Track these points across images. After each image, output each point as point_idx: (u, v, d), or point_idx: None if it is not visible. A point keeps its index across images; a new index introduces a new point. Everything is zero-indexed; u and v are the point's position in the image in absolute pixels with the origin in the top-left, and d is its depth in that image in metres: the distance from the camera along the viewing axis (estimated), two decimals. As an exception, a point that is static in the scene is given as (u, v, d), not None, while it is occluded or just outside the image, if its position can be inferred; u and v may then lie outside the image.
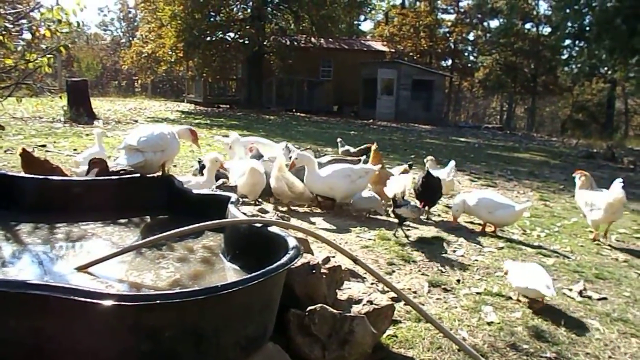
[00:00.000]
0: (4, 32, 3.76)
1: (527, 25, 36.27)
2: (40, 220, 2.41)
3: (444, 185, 4.88)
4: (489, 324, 2.72)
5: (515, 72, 35.70)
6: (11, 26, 4.14)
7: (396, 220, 4.23)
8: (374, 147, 5.59)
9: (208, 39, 22.90)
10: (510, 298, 3.08)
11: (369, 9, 34.04)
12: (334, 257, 2.93)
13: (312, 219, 4.44)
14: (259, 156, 5.21)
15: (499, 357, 2.41)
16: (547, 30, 34.13)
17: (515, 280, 2.98)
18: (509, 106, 40.29)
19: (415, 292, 3.08)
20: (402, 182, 4.22)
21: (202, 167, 5.36)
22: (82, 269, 1.94)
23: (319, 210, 4.80)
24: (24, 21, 4.91)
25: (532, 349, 2.49)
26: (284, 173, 4.51)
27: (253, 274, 1.56)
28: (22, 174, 3.00)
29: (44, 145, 7.58)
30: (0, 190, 2.56)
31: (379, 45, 31.23)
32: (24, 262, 2.04)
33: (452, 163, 5.56)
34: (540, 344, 2.55)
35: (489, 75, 37.03)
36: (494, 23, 38.78)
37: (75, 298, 1.36)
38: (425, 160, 5.82)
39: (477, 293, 3.12)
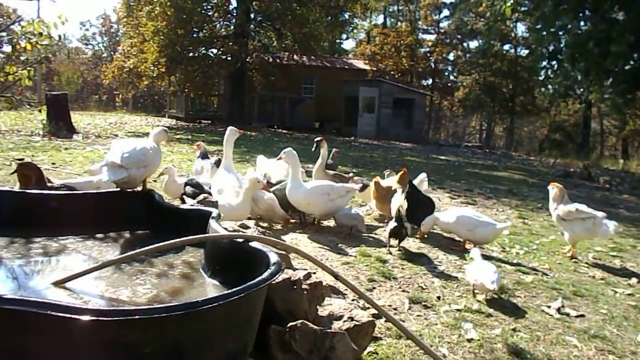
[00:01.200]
0: (-17, 44, 3.72)
1: (506, 47, 37.16)
2: (17, 234, 2.37)
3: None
4: (469, 340, 2.73)
5: (494, 92, 36.44)
6: (-9, 38, 4.10)
7: (386, 238, 4.31)
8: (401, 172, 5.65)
9: (191, 54, 22.91)
10: (490, 315, 3.11)
11: (351, 27, 34.49)
12: (315, 273, 2.93)
13: (294, 235, 4.43)
14: (204, 154, 5.54)
15: (478, 373, 2.42)
16: (525, 52, 34.99)
17: (469, 275, 3.41)
18: (488, 125, 41.02)
19: (395, 309, 3.08)
20: (395, 203, 4.33)
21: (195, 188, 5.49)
22: (59, 283, 1.90)
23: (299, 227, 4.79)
24: (4, 34, 4.86)
25: (511, 366, 2.51)
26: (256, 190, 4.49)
27: (233, 290, 1.55)
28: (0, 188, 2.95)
29: (21, 159, 7.45)
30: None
31: (360, 64, 31.61)
32: (0, 277, 2.00)
33: (423, 175, 5.64)
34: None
35: (468, 94, 37.73)
36: (474, 44, 39.70)
37: (53, 313, 1.34)
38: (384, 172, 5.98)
39: (457, 310, 3.14)
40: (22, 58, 4.62)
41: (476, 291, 3.41)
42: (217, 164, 5.59)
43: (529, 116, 38.47)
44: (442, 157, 16.13)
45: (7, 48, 4.98)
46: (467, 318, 3.02)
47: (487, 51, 35.22)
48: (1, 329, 1.39)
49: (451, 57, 40.87)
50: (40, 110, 5.97)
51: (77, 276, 1.93)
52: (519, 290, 3.61)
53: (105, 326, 1.38)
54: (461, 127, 45.59)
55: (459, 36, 39.57)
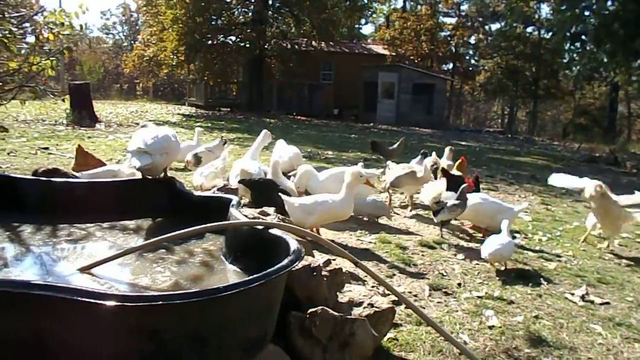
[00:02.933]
0: (8, 36, 3.77)
1: (529, 29, 36.28)
2: (43, 222, 2.42)
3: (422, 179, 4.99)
4: (490, 327, 2.72)
5: (517, 76, 35.68)
6: (15, 29, 4.15)
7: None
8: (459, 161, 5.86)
9: (209, 42, 22.96)
10: (512, 302, 3.08)
11: (370, 12, 34.12)
12: (334, 260, 2.94)
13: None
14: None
15: (500, 360, 2.41)
16: (548, 34, 34.12)
17: (482, 249, 3.61)
18: (510, 110, 40.30)
19: (415, 296, 3.08)
20: (437, 187, 4.30)
21: (197, 158, 5.65)
22: (84, 270, 1.94)
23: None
24: (27, 25, 4.93)
25: (533, 354, 2.49)
26: (278, 175, 4.52)
27: (253, 276, 1.56)
28: (25, 176, 3.01)
29: (46, 148, 7.60)
30: (3, 192, 2.57)
31: (379, 49, 31.27)
32: (27, 263, 2.04)
33: (432, 156, 5.65)
34: (542, 348, 2.55)
35: (490, 78, 37.04)
36: (495, 26, 38.85)
37: (78, 298, 1.37)
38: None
39: (479, 297, 3.12)
40: (45, 48, 4.67)
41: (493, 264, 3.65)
42: (224, 143, 6.21)
43: (553, 100, 37.60)
44: (463, 143, 15.94)
45: (31, 39, 5.04)
46: (488, 305, 3.00)
47: (509, 34, 34.46)
48: (30, 313, 1.42)
49: (472, 40, 40.09)
50: (63, 100, 6.07)
51: (102, 262, 1.97)
52: (541, 277, 3.57)
53: (129, 311, 1.41)
54: (482, 112, 44.89)
55: (480, 19, 38.77)
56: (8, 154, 6.74)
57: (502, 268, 3.65)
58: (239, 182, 4.26)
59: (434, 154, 5.90)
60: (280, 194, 3.98)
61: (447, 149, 6.59)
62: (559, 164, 11.80)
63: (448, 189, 4.45)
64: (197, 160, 5.85)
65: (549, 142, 21.46)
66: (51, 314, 1.42)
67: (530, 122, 37.49)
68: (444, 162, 6.02)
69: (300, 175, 4.44)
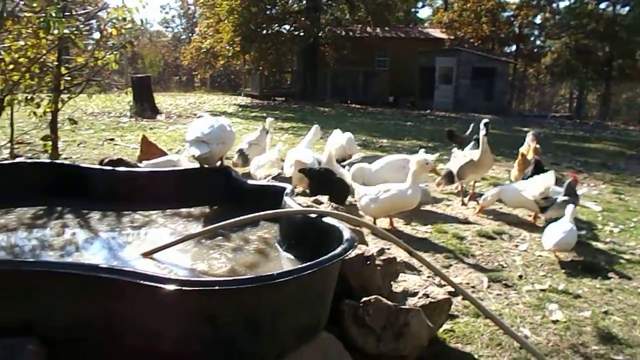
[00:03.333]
0: (75, 32, 3.97)
1: (602, 5, 34.05)
2: (109, 209, 2.54)
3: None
4: (554, 322, 2.61)
5: (588, 57, 33.63)
6: (82, 26, 4.36)
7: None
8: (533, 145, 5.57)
9: (264, 32, 23.16)
10: (579, 296, 2.94)
11: (427, -5, 33.27)
12: (389, 249, 2.91)
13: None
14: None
15: (564, 357, 2.31)
16: (624, 9, 31.90)
17: (544, 240, 3.45)
18: (579, 93, 38.14)
19: (473, 287, 3.00)
20: (542, 182, 4.08)
21: (243, 156, 5.56)
22: (147, 255, 2.03)
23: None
24: (93, 21, 5.16)
25: (601, 351, 2.36)
26: (333, 163, 4.51)
27: (307, 264, 1.57)
28: (93, 166, 3.16)
29: (112, 139, 7.97)
30: (73, 181, 2.72)
31: (437, 33, 30.43)
32: (95, 248, 2.16)
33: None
34: (612, 345, 2.42)
35: (557, 60, 35.16)
36: (564, 4, 36.78)
37: (142, 282, 1.43)
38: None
39: (542, 290, 3.00)
40: (109, 43, 4.88)
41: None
42: (267, 131, 5.93)
43: (628, 81, 35.22)
44: (526, 129, 15.28)
45: (96, 35, 5.28)
46: (552, 299, 2.88)
47: (579, 11, 32.52)
48: (98, 295, 1.50)
49: (538, 20, 38.10)
50: (127, 93, 6.35)
51: (163, 248, 2.05)
52: (612, 271, 3.38)
53: (188, 296, 1.46)
54: (548, 96, 42.79)
55: (547, -4, 36.87)
56: (78, 145, 7.13)
57: (568, 259, 3.49)
58: (299, 171, 4.28)
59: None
60: (353, 183, 4.02)
61: (529, 134, 6.27)
62: (634, 151, 11.07)
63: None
64: (244, 159, 5.55)
65: (623, 127, 20.18)
66: (117, 296, 1.49)
67: (602, 105, 35.35)
68: (527, 148, 5.73)
69: (353, 175, 4.45)
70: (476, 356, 2.26)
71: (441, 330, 2.38)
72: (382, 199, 3.69)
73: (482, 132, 4.64)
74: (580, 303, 2.86)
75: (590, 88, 37.38)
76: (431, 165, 3.72)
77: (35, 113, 4.44)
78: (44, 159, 4.63)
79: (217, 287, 1.44)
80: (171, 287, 1.42)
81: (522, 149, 5.61)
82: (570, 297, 2.92)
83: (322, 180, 4.17)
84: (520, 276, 3.20)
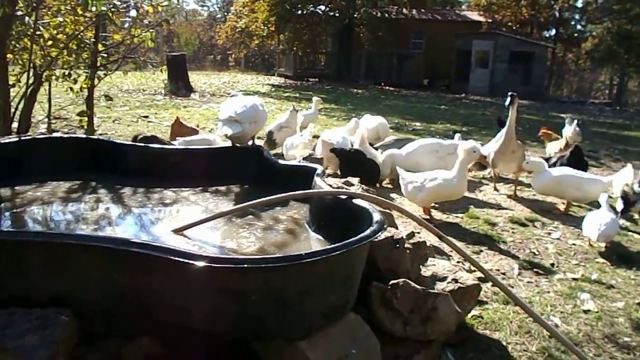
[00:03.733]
0: (112, 10, 4.02)
1: (646, -10, 32.57)
2: (142, 185, 2.59)
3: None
4: (586, 312, 2.56)
5: (630, 42, 32.24)
6: (119, 3, 4.41)
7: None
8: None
9: (299, 12, 23.02)
10: (612, 287, 2.87)
11: (465, -23, 32.36)
12: (419, 232, 2.88)
13: (398, 194, 4.38)
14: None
15: (595, 347, 2.26)
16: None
17: (586, 230, 3.41)
18: (619, 80, 36.75)
19: (504, 274, 2.96)
20: (626, 176, 4.00)
21: (270, 141, 5.51)
22: (178, 231, 2.06)
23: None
24: (130, -1, 5.21)
25: (634, 342, 2.31)
26: (365, 145, 4.48)
27: (336, 245, 1.57)
28: (126, 142, 3.22)
29: (146, 116, 8.11)
30: (107, 157, 2.78)
31: (474, 16, 29.65)
32: (128, 223, 2.21)
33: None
34: (644, 337, 2.36)
35: (598, 45, 33.86)
36: (607, -13, 35.25)
37: (172, 257, 1.45)
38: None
39: (574, 279, 2.94)
40: (145, 21, 4.93)
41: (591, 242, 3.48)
42: (296, 111, 6.03)
43: (671, 69, 33.77)
44: (563, 115, 14.85)
45: (133, 12, 5.33)
46: (584, 288, 2.81)
47: (623, -5, 31.18)
48: (129, 269, 1.54)
49: (579, 4, 36.72)
50: (162, 71, 6.42)
51: (194, 225, 2.07)
52: (648, 262, 3.28)
53: (217, 272, 1.47)
54: (587, 82, 41.40)
55: (590, -21, 35.39)
56: (113, 121, 7.28)
57: (602, 249, 3.40)
58: (330, 151, 4.27)
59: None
60: (398, 169, 3.99)
61: (567, 120, 6.16)
62: (674, 140, 10.64)
63: (570, 165, 4.35)
64: (272, 142, 5.55)
65: (664, 115, 19.39)
66: (147, 271, 1.52)
67: (643, 93, 34.04)
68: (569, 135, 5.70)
69: (384, 163, 4.42)
70: (504, 343, 2.23)
71: (469, 316, 2.36)
72: (428, 188, 3.60)
73: (510, 111, 4.41)
74: (613, 293, 2.79)
75: (631, 75, 35.91)
76: (479, 153, 3.59)
77: (72, 89, 4.54)
78: (80, 134, 4.74)
79: (245, 265, 1.45)
80: (201, 263, 1.43)
81: (566, 133, 5.53)
82: (603, 287, 2.85)
83: (352, 161, 4.15)
84: (552, 264, 3.14)
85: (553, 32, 36.86)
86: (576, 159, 4.68)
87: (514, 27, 32.98)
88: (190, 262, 1.44)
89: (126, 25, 5.34)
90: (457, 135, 5.62)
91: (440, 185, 3.57)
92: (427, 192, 3.61)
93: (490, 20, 31.39)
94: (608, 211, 3.38)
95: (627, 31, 32.14)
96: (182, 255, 1.46)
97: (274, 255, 1.71)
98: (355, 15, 22.73)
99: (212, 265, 1.45)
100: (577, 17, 37.52)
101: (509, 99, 4.39)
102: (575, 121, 6.17)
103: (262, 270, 1.47)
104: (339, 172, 4.23)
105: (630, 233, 3.83)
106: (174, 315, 1.55)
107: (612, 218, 3.33)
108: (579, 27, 37.53)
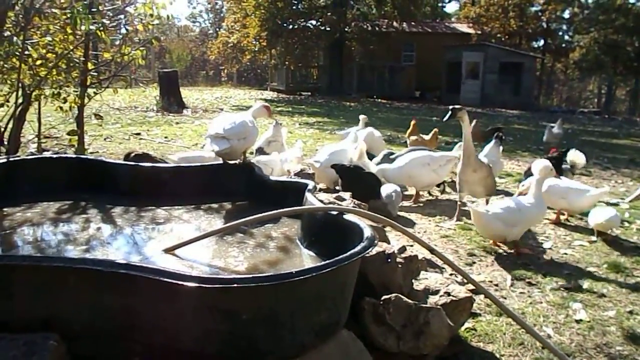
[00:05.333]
0: (101, 28, 4.03)
1: (631, 0, 33.11)
2: (133, 204, 2.58)
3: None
4: (578, 321, 2.56)
5: (617, 51, 32.75)
6: (108, 22, 4.43)
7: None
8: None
9: (290, 27, 23.20)
10: (603, 295, 2.88)
11: (454, -11, 32.71)
12: (411, 246, 2.89)
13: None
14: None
15: (587, 357, 2.27)
16: (655, 4, 30.89)
17: (590, 218, 3.88)
18: (608, 88, 37.20)
19: (497, 285, 2.97)
20: None
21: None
22: (169, 250, 2.05)
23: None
24: (121, 16, 5.24)
25: (626, 352, 2.31)
26: (364, 159, 4.50)
27: (326, 262, 1.57)
28: (118, 161, 3.22)
29: (138, 134, 8.10)
30: (97, 176, 2.77)
31: (464, 28, 30.01)
32: (119, 243, 2.19)
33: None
34: (636, 346, 2.36)
35: (585, 55, 34.31)
36: (593, -2, 35.79)
37: (160, 278, 1.45)
38: None
39: (566, 288, 2.95)
40: (136, 39, 4.95)
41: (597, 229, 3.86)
42: (280, 124, 5.89)
43: (658, 77, 34.19)
44: (553, 125, 14.98)
45: (123, 30, 5.36)
46: (576, 297, 2.82)
47: (608, 6, 31.69)
48: (117, 291, 1.53)
49: (566, 14, 37.24)
50: (154, 87, 6.43)
51: (185, 244, 2.07)
52: (638, 270, 3.30)
53: (207, 292, 1.47)
54: (576, 92, 41.85)
55: (575, -9, 35.91)
56: (105, 139, 7.26)
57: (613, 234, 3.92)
58: (332, 167, 4.26)
59: None
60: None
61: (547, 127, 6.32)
62: (663, 147, 10.76)
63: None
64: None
65: (652, 123, 19.59)
66: (137, 292, 1.51)
67: (631, 101, 34.42)
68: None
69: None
70: (498, 355, 2.23)
71: (463, 328, 2.36)
72: (523, 221, 3.34)
73: (462, 126, 3.88)
74: (604, 302, 2.80)
75: (619, 83, 36.39)
76: (554, 172, 3.42)
77: (62, 108, 4.53)
78: (70, 153, 4.73)
79: (235, 285, 1.45)
80: (190, 284, 1.43)
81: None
82: (594, 296, 2.86)
83: (352, 176, 4.15)
84: (545, 274, 3.15)
85: (541, 42, 37.35)
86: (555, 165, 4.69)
87: (503, 39, 33.40)
88: (180, 282, 1.43)
89: (117, 42, 5.36)
90: (457, 146, 5.62)
91: (532, 213, 3.37)
92: (523, 225, 3.38)
93: (479, 32, 31.78)
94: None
95: (613, 41, 32.63)
96: (171, 276, 1.45)
97: (264, 274, 1.71)
98: (346, 29, 22.94)
99: (202, 285, 1.44)
100: (564, 27, 38.10)
101: (448, 113, 3.87)
102: (550, 125, 6.36)
103: (253, 290, 1.46)
104: (337, 188, 4.24)
105: (620, 241, 3.86)
106: (164, 336, 1.54)
107: (616, 213, 3.84)
108: (566, 37, 38.12)
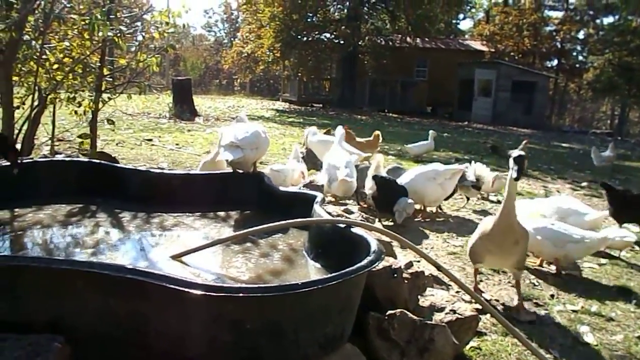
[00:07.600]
0: (118, 35, 4.09)
1: (646, 22, 32.98)
2: (141, 209, 2.60)
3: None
4: (585, 345, 2.52)
5: (630, 73, 32.55)
6: (125, 29, 4.50)
7: None
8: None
9: (304, 39, 23.39)
10: (612, 319, 2.84)
11: (469, 7, 32.88)
12: (418, 262, 2.87)
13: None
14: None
15: (593, 382, 2.22)
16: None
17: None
18: (621, 110, 36.97)
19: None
20: None
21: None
22: (176, 257, 2.06)
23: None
24: (138, 24, 5.32)
25: (633, 378, 2.27)
26: (380, 171, 4.48)
27: (332, 275, 1.57)
28: (127, 166, 3.25)
29: (150, 140, 8.16)
30: (107, 181, 2.80)
31: (477, 45, 30.09)
32: (127, 248, 2.21)
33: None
34: (644, 372, 2.32)
35: (599, 76, 34.17)
36: (608, 20, 35.72)
37: (167, 285, 1.45)
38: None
39: (573, 311, 2.91)
40: (151, 46, 5.02)
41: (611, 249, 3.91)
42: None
43: (672, 100, 33.93)
44: (565, 145, 14.91)
45: (139, 37, 5.44)
46: (583, 320, 2.78)
47: (623, 28, 31.62)
48: (123, 296, 1.53)
49: (581, 35, 37.19)
50: (167, 95, 6.50)
51: (192, 251, 2.08)
52: (648, 295, 3.24)
53: (212, 301, 1.47)
54: (589, 113, 41.64)
55: (590, 12, 35.87)
56: (117, 144, 7.33)
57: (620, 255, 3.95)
58: (372, 177, 4.26)
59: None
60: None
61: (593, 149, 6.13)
62: (676, 171, 10.64)
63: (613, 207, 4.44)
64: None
65: (665, 146, 19.42)
66: (143, 298, 1.52)
67: (645, 123, 34.16)
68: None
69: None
70: (502, 377, 2.20)
71: (468, 347, 2.33)
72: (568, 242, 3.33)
73: (512, 173, 2.48)
74: (613, 326, 2.76)
75: (632, 105, 36.13)
76: None
77: (76, 112, 4.58)
78: (82, 157, 4.78)
79: (241, 294, 1.45)
80: (196, 291, 1.43)
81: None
82: (602, 320, 2.82)
83: (388, 188, 4.16)
84: (552, 295, 3.11)
85: (555, 62, 37.30)
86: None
87: (517, 57, 33.40)
88: (186, 289, 1.44)
89: (132, 49, 5.43)
90: (467, 164, 5.51)
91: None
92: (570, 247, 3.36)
93: (493, 50, 31.82)
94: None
95: (627, 63, 32.45)
96: (177, 283, 1.46)
97: (270, 285, 1.71)
98: (359, 43, 23.07)
99: (208, 293, 1.44)
100: (578, 48, 38.01)
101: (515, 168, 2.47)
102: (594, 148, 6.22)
103: (258, 300, 1.46)
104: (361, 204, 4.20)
105: (630, 265, 3.81)
106: (169, 343, 1.54)
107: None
108: (580, 58, 38.00)
